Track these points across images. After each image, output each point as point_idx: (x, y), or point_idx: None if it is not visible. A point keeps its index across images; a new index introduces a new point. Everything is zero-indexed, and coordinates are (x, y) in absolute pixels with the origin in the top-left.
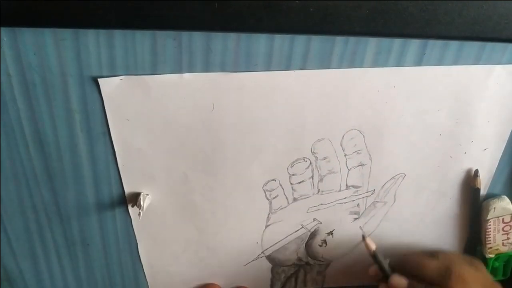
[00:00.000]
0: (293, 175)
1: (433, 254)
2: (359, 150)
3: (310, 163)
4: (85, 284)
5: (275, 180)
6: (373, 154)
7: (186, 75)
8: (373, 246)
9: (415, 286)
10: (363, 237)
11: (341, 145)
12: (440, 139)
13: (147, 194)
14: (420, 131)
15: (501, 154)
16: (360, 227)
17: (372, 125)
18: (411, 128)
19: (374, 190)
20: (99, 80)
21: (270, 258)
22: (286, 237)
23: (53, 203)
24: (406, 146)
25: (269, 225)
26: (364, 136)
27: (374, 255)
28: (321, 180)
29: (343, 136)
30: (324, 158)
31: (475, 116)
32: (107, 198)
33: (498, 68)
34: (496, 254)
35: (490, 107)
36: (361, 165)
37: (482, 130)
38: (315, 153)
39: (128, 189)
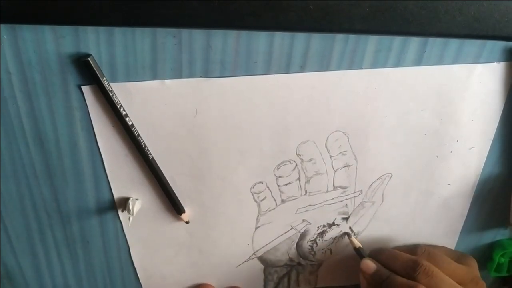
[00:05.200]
0: (279, 177)
1: (414, 247)
2: (344, 151)
3: (296, 165)
4: (85, 281)
5: (262, 183)
6: (358, 155)
7: (168, 81)
8: (358, 244)
9: (382, 271)
10: (348, 235)
11: (325, 146)
12: (425, 138)
13: (137, 199)
14: (404, 131)
15: (487, 153)
16: (350, 227)
17: (355, 126)
18: (395, 129)
19: (362, 190)
20: (83, 87)
21: (261, 259)
22: (276, 238)
23: (53, 201)
24: (391, 146)
25: (258, 226)
26: (348, 138)
27: (358, 251)
28: (308, 181)
29: (327, 138)
30: (310, 160)
31: (459, 115)
32: (107, 196)
33: (480, 67)
34: None
35: (473, 106)
36: (347, 166)
37: (467, 129)
38: (300, 155)
39: (117, 194)
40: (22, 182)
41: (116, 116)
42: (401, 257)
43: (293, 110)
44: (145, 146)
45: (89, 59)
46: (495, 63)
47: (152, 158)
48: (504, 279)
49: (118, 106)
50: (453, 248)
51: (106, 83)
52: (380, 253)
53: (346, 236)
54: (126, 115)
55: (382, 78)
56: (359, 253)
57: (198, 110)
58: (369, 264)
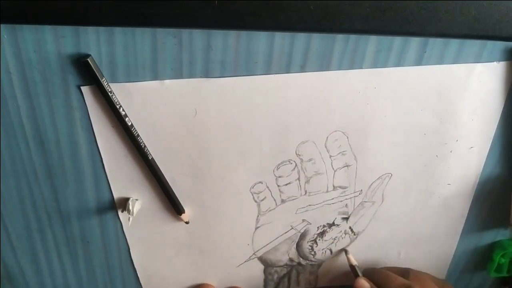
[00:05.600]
0: (279, 177)
1: (406, 271)
2: (343, 151)
3: (296, 165)
4: (85, 281)
5: (262, 183)
6: (358, 155)
7: (167, 82)
8: (354, 262)
9: None
10: (346, 252)
11: (325, 146)
12: (425, 138)
13: (137, 199)
14: (404, 131)
15: (487, 152)
16: (350, 227)
17: (355, 126)
18: (395, 128)
19: (362, 190)
20: (82, 88)
21: (261, 259)
22: (276, 238)
23: (53, 201)
24: (391, 146)
25: (258, 227)
26: (348, 137)
27: (354, 268)
28: (307, 181)
29: (327, 137)
30: (309, 160)
31: (459, 115)
32: (107, 196)
33: (480, 66)
34: None
35: (473, 106)
36: (347, 165)
37: (467, 129)
38: (300, 155)
39: (117, 194)
40: (22, 181)
41: (115, 116)
42: (396, 280)
43: (293, 110)
44: (145, 146)
45: (88, 59)
46: (495, 62)
47: (152, 158)
48: (504, 279)
49: (118, 107)
50: (454, 247)
51: (105, 84)
52: (374, 273)
53: (344, 253)
54: (126, 116)
55: (381, 78)
56: (354, 271)
57: (198, 110)
58: (364, 284)
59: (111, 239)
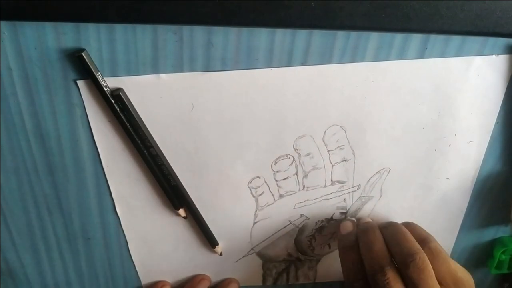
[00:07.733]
0: (277, 172)
1: (426, 239)
2: (341, 146)
3: (294, 159)
4: (86, 277)
5: (260, 178)
6: (356, 149)
7: (163, 76)
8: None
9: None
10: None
11: (323, 141)
12: (423, 132)
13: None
14: (402, 125)
15: (486, 146)
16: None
17: (353, 120)
18: (393, 122)
19: (360, 185)
20: (78, 82)
21: (260, 254)
22: (274, 233)
23: (54, 197)
24: (389, 140)
25: (257, 222)
26: (346, 132)
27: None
28: (305, 176)
29: (325, 132)
30: (307, 155)
31: (458, 109)
32: (108, 192)
33: (478, 60)
34: None
35: (472, 99)
36: (345, 160)
37: (466, 123)
38: (297, 149)
39: (114, 189)
40: (23, 178)
41: (111, 110)
42: (408, 243)
43: (290, 104)
44: (142, 141)
45: (82, 54)
46: (494, 55)
47: (149, 153)
48: (505, 276)
49: (113, 101)
50: (452, 242)
51: (100, 78)
52: (390, 226)
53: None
54: (122, 110)
55: (379, 72)
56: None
57: (194, 105)
58: (346, 224)
59: (112, 235)
